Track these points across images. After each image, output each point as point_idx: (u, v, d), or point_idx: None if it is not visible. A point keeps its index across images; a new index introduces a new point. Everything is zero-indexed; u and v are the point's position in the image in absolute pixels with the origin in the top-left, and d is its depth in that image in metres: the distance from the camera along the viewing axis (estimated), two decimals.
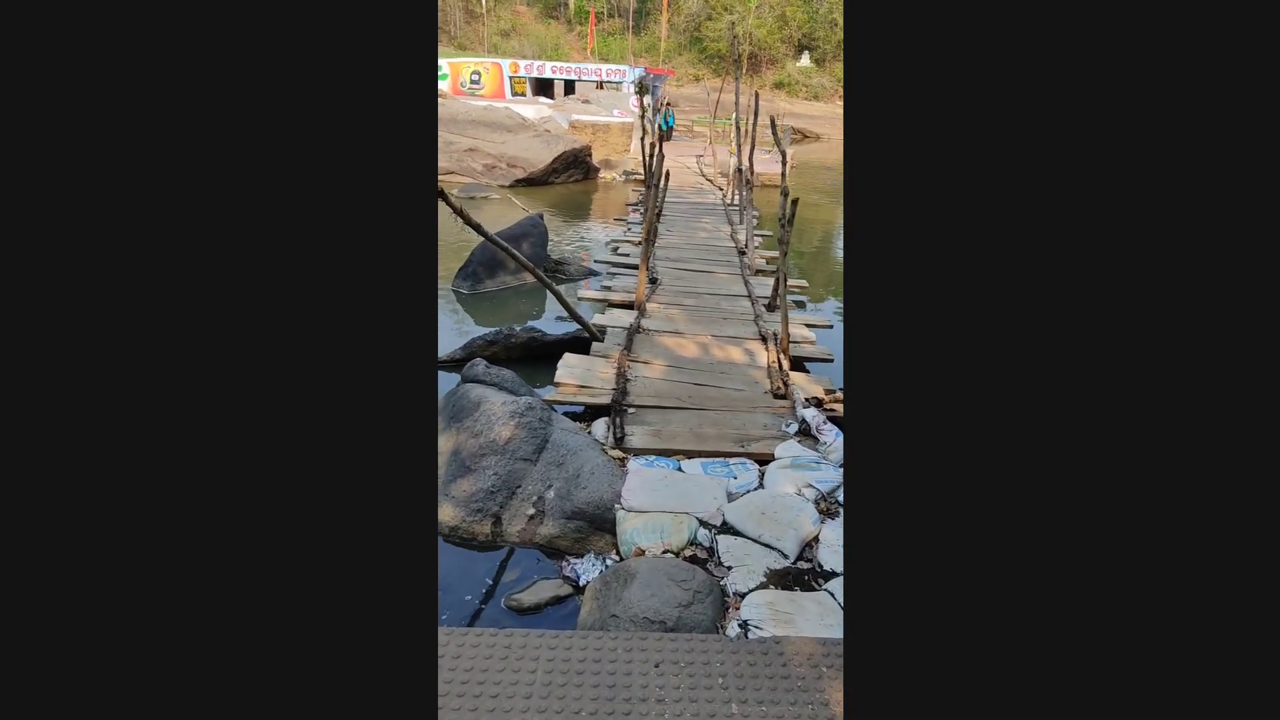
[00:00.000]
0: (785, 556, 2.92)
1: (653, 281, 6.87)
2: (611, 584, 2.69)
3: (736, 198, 11.33)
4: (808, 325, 5.98)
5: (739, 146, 9.43)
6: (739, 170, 9.57)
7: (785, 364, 4.97)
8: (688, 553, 2.96)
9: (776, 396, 4.43)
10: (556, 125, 15.39)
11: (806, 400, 4.29)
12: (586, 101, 18.33)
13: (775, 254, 8.61)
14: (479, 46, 33.39)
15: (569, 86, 20.31)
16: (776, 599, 2.63)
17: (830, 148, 24.85)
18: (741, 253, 8.24)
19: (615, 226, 10.36)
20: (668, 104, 20.09)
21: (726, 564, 2.87)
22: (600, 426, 3.93)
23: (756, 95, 9.73)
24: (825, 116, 30.78)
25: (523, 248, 7.33)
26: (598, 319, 5.70)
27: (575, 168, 14.31)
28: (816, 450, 3.73)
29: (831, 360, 5.37)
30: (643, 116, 8.88)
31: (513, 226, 7.68)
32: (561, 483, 3.34)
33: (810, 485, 3.36)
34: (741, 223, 9.77)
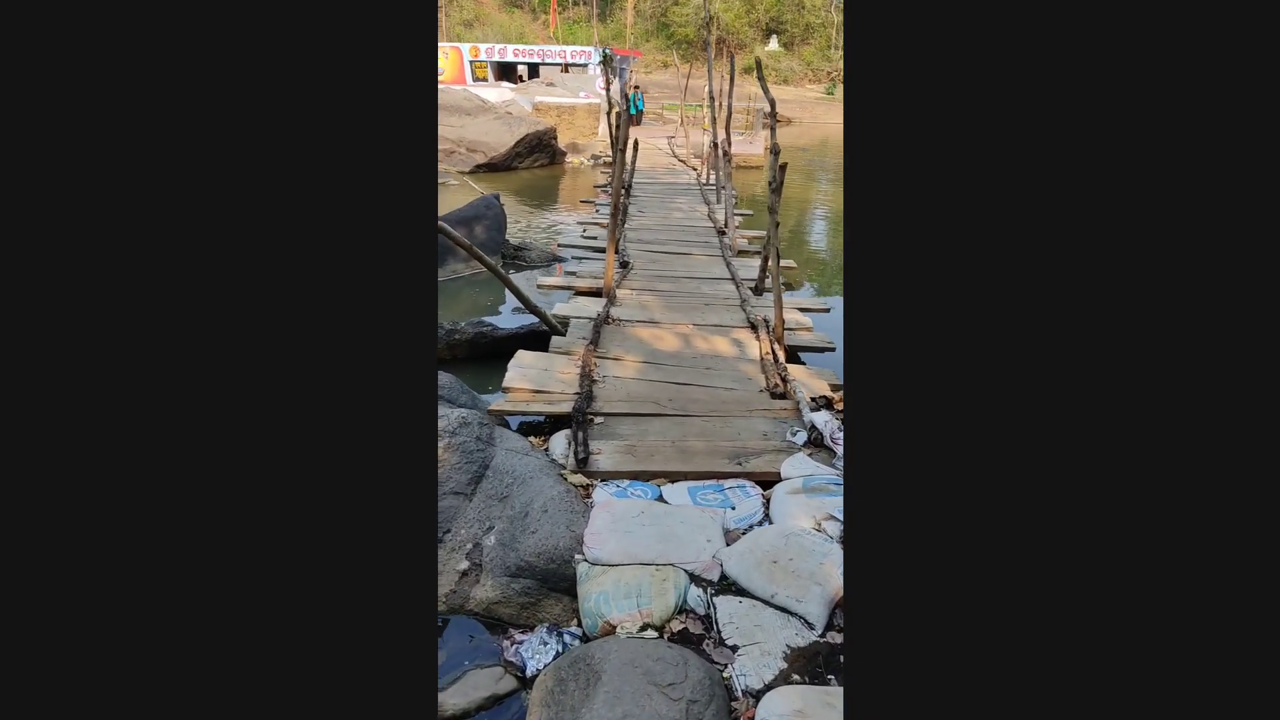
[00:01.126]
0: (810, 626, 2.08)
1: (624, 265, 5.99)
2: (569, 685, 1.83)
3: (712, 177, 10.47)
4: (801, 309, 5.15)
5: (714, 120, 8.57)
6: (715, 144, 8.70)
7: (781, 355, 4.13)
8: (676, 625, 2.11)
9: (775, 396, 3.59)
10: (519, 108, 14.37)
11: (814, 401, 3.45)
12: (551, 85, 17.28)
13: (758, 233, 7.78)
14: (441, 37, 32.12)
15: (533, 70, 19.23)
16: (807, 700, 1.79)
17: (801, 131, 24.20)
18: (721, 233, 7.39)
19: (584, 210, 9.45)
20: (635, 87, 19.15)
21: (731, 642, 2.03)
22: (559, 442, 3.06)
23: (732, 62, 8.86)
24: (795, 100, 30.05)
25: (475, 231, 6.40)
26: (560, 309, 4.81)
27: (540, 151, 13.32)
28: (833, 466, 2.90)
29: (833, 349, 4.55)
30: (608, 88, 7.94)
31: (464, 208, 6.74)
32: (505, 524, 2.47)
33: (832, 516, 2.52)
34: (719, 201, 8.91)
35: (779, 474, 2.85)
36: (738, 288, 5.54)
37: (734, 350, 4.28)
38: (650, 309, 4.96)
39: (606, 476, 2.83)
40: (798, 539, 2.39)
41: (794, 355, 4.53)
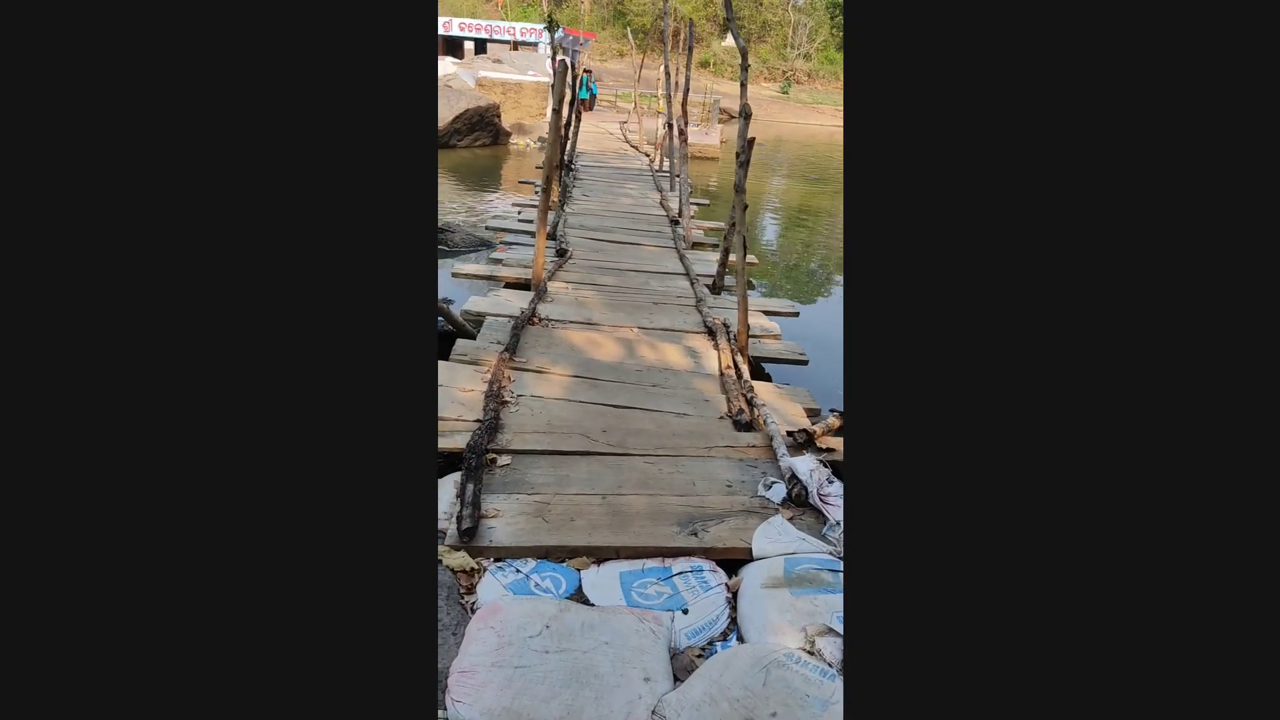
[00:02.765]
0: None
1: (560, 254, 5.05)
2: None
3: (666, 164, 9.59)
4: (766, 312, 4.33)
5: (669, 100, 7.68)
6: (670, 124, 7.82)
7: (745, 370, 3.28)
8: None
9: (740, 426, 2.74)
10: (461, 82, 13.15)
11: (791, 435, 2.61)
12: (499, 61, 16.06)
13: (715, 224, 6.94)
14: None
15: (480, 46, 17.93)
16: None
17: (756, 129, 23.65)
18: (675, 222, 6.52)
19: (524, 193, 8.43)
20: (587, 71, 18.07)
21: None
22: (444, 496, 2.11)
23: (690, 49, 7.97)
24: (750, 98, 29.59)
25: None
26: (473, 304, 3.84)
27: (481, 130, 12.18)
28: (826, 539, 2.05)
29: (805, 362, 3.73)
30: (554, 57, 6.93)
31: None
32: None
33: (830, 630, 1.68)
34: (673, 189, 8.04)
35: (749, 550, 1.99)
36: (693, 285, 4.68)
37: (688, 362, 3.41)
38: (588, 307, 4.04)
39: (503, 554, 1.92)
40: (783, 675, 1.53)
41: (758, 368, 3.70)
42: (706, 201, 8.21)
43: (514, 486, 2.20)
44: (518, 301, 3.93)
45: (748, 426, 2.73)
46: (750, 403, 2.90)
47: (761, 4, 33.42)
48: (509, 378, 2.94)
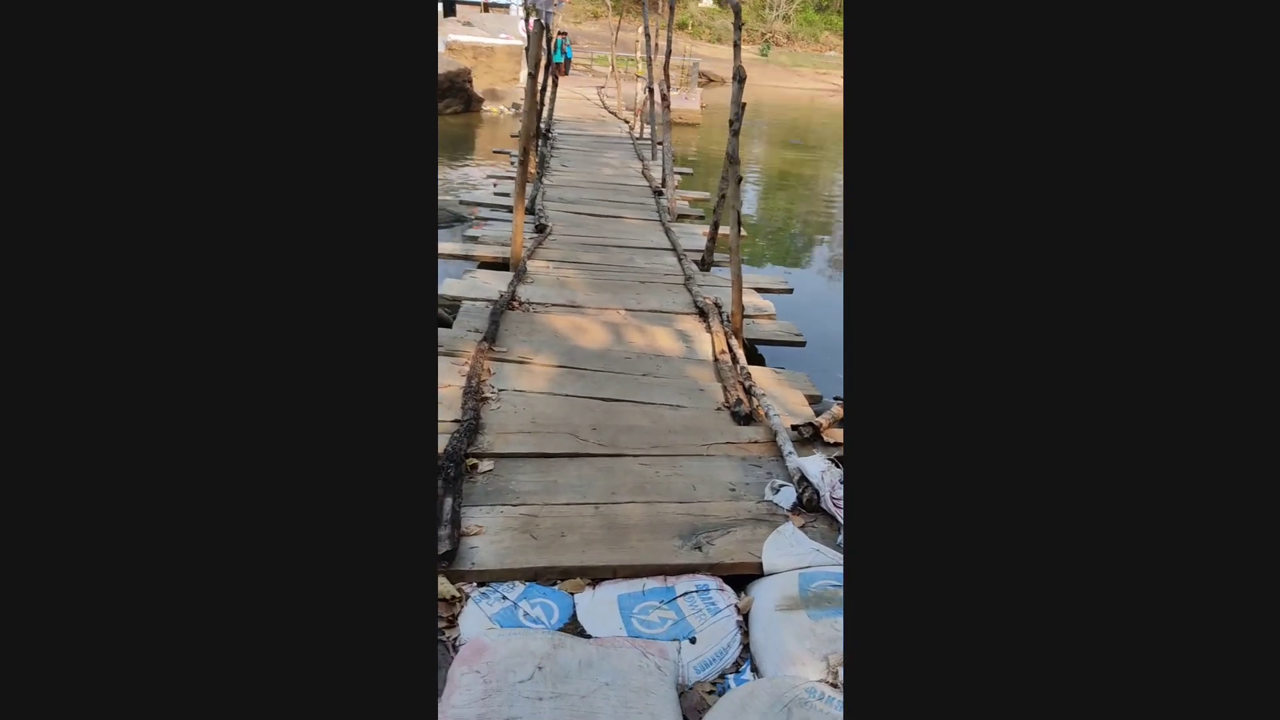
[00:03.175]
0: None
1: (540, 230, 4.77)
2: None
3: (646, 131, 9.23)
4: (758, 289, 4.12)
5: (649, 63, 7.30)
6: (650, 89, 7.46)
7: (741, 355, 3.09)
8: None
9: (740, 419, 2.55)
10: None
11: (795, 430, 2.43)
12: (469, 25, 15.34)
13: (699, 195, 6.68)
14: None
15: (448, 8, 17.09)
16: None
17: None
18: (658, 193, 6.24)
19: (499, 163, 8.06)
20: (562, 34, 17.39)
21: None
22: None
23: (671, 10, 7.57)
24: (729, 60, 28.93)
25: None
26: (449, 287, 3.58)
27: (452, 96, 11.64)
28: (840, 547, 1.88)
29: (803, 343, 3.54)
30: (528, 19, 6.50)
31: None
32: None
33: None
34: (655, 158, 7.72)
35: (759, 565, 1.82)
36: (680, 261, 4.44)
37: (680, 346, 3.20)
38: (571, 287, 3.79)
39: (487, 578, 1.72)
40: (806, 715, 1.36)
41: (752, 350, 3.51)
42: (690, 170, 7.92)
43: (498, 496, 1.99)
44: (496, 284, 3.67)
45: (748, 419, 2.55)
46: (749, 392, 2.71)
47: None
48: (489, 370, 2.71)
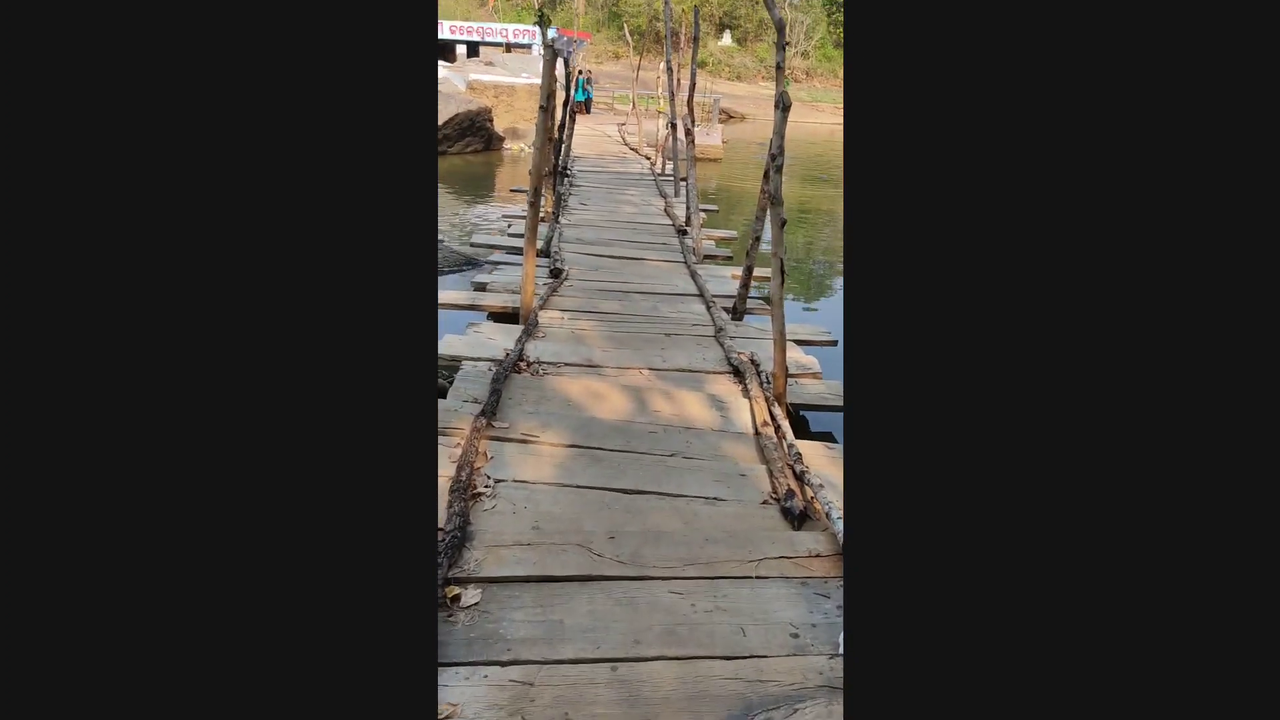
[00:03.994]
0: None
1: (555, 274, 4.33)
2: None
3: (669, 167, 8.87)
4: (797, 342, 3.61)
5: (672, 97, 6.95)
6: (673, 124, 7.10)
7: (786, 426, 2.57)
8: None
9: (791, 517, 2.02)
10: (451, 86, 12.43)
11: None
12: (491, 64, 15.33)
13: (727, 234, 6.24)
14: None
15: (472, 49, 17.21)
16: None
17: (756, 127, 23.32)
18: (682, 232, 5.80)
19: (517, 202, 7.73)
20: (582, 72, 17.36)
21: None
22: None
23: (695, 44, 7.25)
24: (749, 96, 29.02)
25: None
26: (451, 345, 3.13)
27: (473, 135, 11.47)
28: None
29: None
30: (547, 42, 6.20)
31: None
32: None
33: None
34: (677, 194, 7.32)
35: None
36: (709, 309, 3.96)
37: (713, 416, 2.70)
38: (588, 342, 3.32)
39: None
40: None
41: (796, 416, 2.99)
42: (714, 208, 7.49)
43: (482, 647, 1.48)
44: (501, 339, 3.21)
45: (802, 518, 2.02)
46: (801, 479, 2.18)
47: (757, 2, 32.73)
48: (484, 454, 2.23)
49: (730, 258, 5.54)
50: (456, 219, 7.35)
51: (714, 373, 3.11)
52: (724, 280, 4.67)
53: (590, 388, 2.82)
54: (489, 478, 2.11)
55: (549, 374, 2.93)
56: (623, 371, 3.03)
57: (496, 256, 4.99)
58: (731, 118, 25.29)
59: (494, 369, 2.83)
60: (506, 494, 2.05)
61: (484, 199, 8.74)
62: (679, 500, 2.11)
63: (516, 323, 3.50)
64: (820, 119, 27.04)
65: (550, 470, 2.21)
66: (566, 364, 3.05)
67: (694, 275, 4.61)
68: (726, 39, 32.84)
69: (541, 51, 6.12)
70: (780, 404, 2.75)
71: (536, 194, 3.28)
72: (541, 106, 3.18)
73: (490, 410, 2.46)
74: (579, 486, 2.13)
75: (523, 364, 2.94)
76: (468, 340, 3.19)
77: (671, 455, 2.38)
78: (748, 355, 3.19)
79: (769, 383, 2.89)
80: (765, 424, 2.58)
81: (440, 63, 16.00)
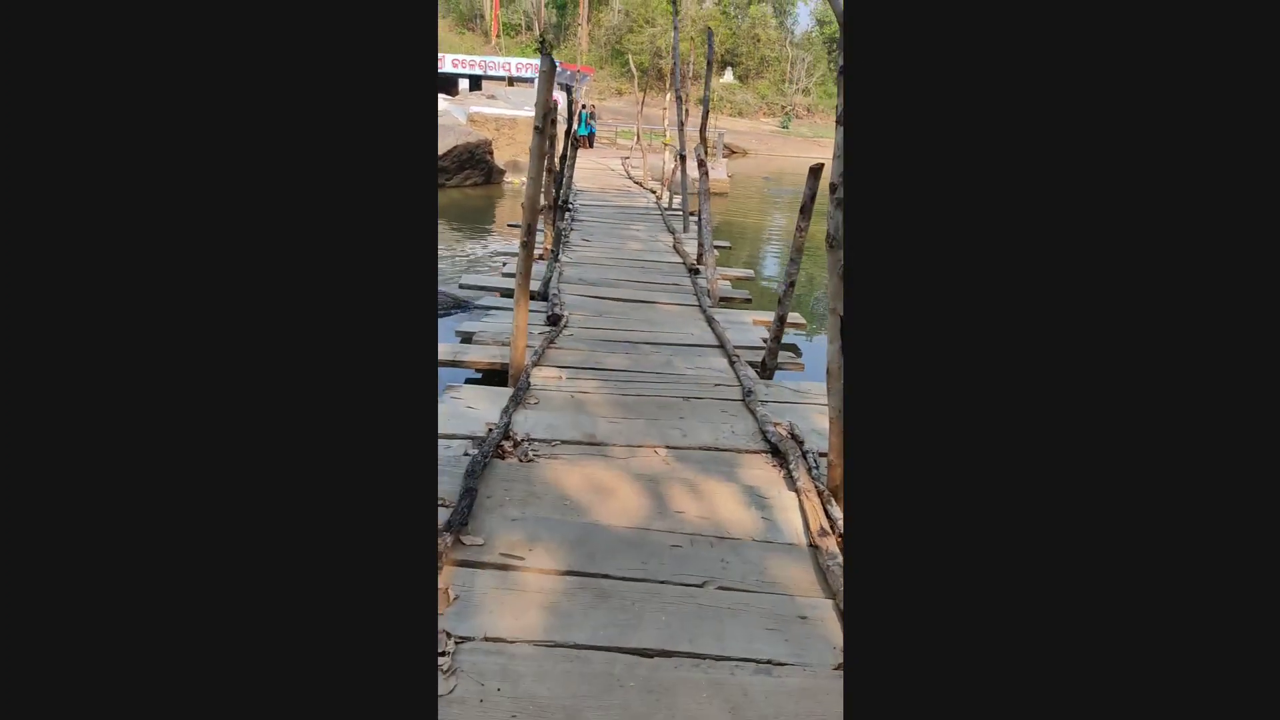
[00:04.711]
0: None
1: (553, 321, 3.74)
2: None
3: (675, 201, 8.36)
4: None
5: (680, 128, 6.45)
6: (682, 156, 6.58)
7: (836, 537, 1.93)
8: None
9: None
10: (452, 118, 12.06)
11: None
12: (492, 98, 15.04)
13: (743, 273, 5.68)
14: None
15: (474, 83, 16.96)
16: None
17: (758, 162, 23.27)
18: (694, 271, 5.23)
19: (515, 237, 7.19)
20: (584, 107, 17.08)
21: None
22: None
23: (709, 72, 6.77)
24: (751, 133, 29.06)
25: None
26: None
27: (473, 167, 11.04)
28: None
29: None
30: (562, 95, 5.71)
31: None
32: None
33: None
34: (686, 230, 6.78)
35: None
36: (732, 364, 3.35)
37: (753, 520, 2.06)
38: (590, 410, 2.70)
39: None
40: None
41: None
42: (727, 244, 6.93)
43: None
44: (485, 408, 2.60)
45: None
46: None
47: (760, 40, 32.96)
48: (448, 592, 1.59)
49: (749, 300, 4.96)
50: (450, 256, 6.79)
51: (747, 451, 2.48)
52: (745, 328, 4.07)
53: (592, 477, 2.19)
54: (449, 636, 1.47)
55: (541, 457, 2.30)
56: (633, 452, 2.41)
57: (488, 300, 4.40)
58: (734, 152, 25.25)
59: (471, 453, 2.20)
60: (474, 665, 1.41)
61: (480, 234, 8.22)
62: (719, 668, 1.47)
63: (505, 384, 2.89)
64: (822, 154, 26.89)
65: (538, 618, 1.56)
66: (563, 441, 2.42)
67: (711, 322, 4.02)
68: (728, 75, 32.94)
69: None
70: (838, 500, 2.12)
71: (530, 231, 2.70)
72: (537, 127, 2.62)
73: (460, 519, 1.83)
74: (578, 647, 1.49)
75: (508, 444, 2.32)
76: (444, 411, 2.57)
77: (703, 585, 1.74)
78: (787, 428, 2.57)
79: (817, 466, 2.27)
80: (823, 532, 1.94)
81: (442, 96, 15.73)
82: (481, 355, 3.27)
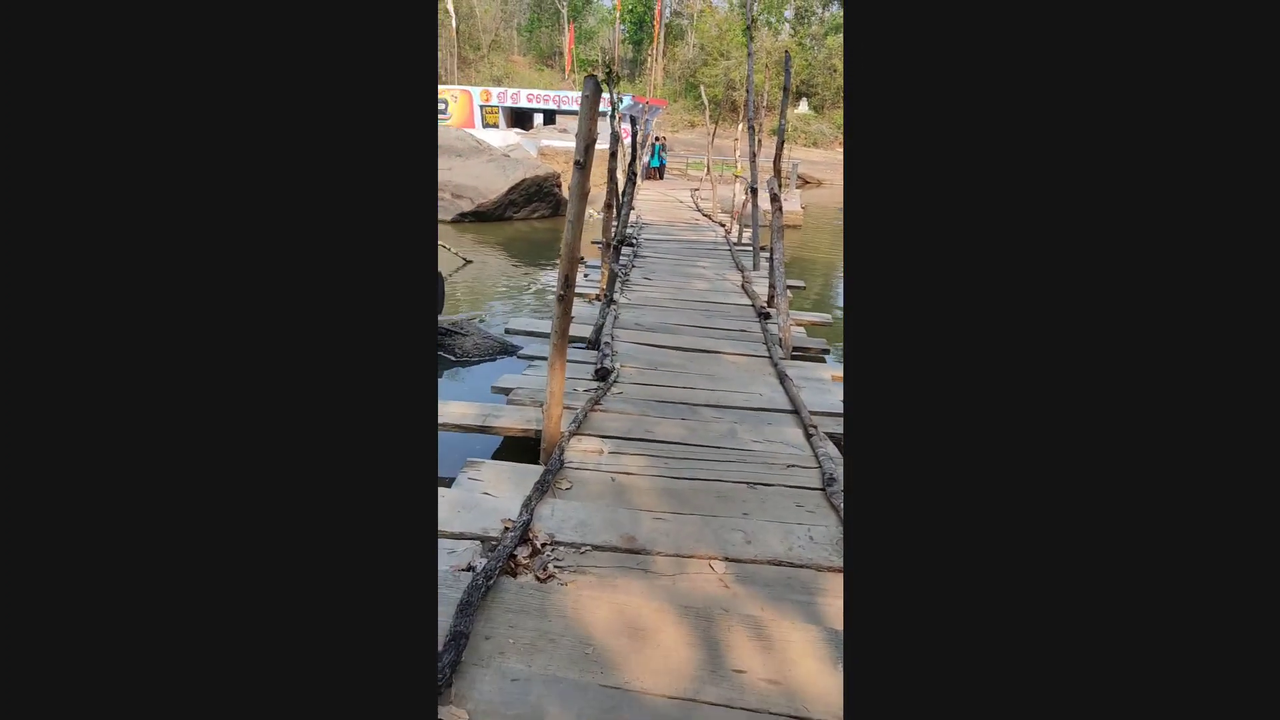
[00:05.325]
0: None
1: (601, 376, 3.28)
2: None
3: (745, 235, 7.85)
4: None
5: (752, 159, 5.97)
6: (753, 189, 6.08)
7: None
8: None
9: None
10: (522, 152, 12.05)
11: None
12: (564, 131, 15.06)
13: (819, 318, 5.08)
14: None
15: (548, 117, 17.12)
16: None
17: (833, 193, 22.51)
18: (764, 314, 4.68)
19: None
20: (658, 139, 16.91)
21: None
22: None
23: (785, 98, 6.28)
24: (825, 162, 28.32)
25: None
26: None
27: (541, 200, 10.91)
28: None
29: None
30: (628, 130, 5.33)
31: None
32: None
33: None
34: (756, 267, 6.25)
35: None
36: (809, 438, 2.77)
37: (838, 685, 1.49)
38: (632, 499, 2.20)
39: None
40: None
41: None
42: (801, 283, 6.34)
43: None
44: (506, 495, 2.14)
45: None
46: None
47: (836, 70, 32.30)
48: None
49: (826, 351, 4.35)
50: (505, 294, 6.52)
51: (829, 570, 1.91)
52: (822, 386, 3.49)
53: (626, 610, 1.68)
54: None
55: (564, 569, 1.81)
56: (682, 565, 1.88)
57: (535, 347, 4.00)
58: (808, 183, 24.59)
59: (476, 566, 1.74)
60: None
61: (541, 267, 7.96)
62: None
63: (536, 460, 2.44)
64: None
65: None
66: (595, 547, 1.93)
67: (783, 379, 3.46)
68: (803, 106, 32.36)
69: (614, 121, 5.32)
70: None
71: (568, 284, 2.26)
72: (577, 162, 2.19)
73: (443, 679, 1.36)
74: None
75: (523, 554, 1.84)
76: (455, 497, 2.13)
77: None
78: None
79: None
80: None
81: (515, 130, 15.91)
82: (515, 419, 2.84)
